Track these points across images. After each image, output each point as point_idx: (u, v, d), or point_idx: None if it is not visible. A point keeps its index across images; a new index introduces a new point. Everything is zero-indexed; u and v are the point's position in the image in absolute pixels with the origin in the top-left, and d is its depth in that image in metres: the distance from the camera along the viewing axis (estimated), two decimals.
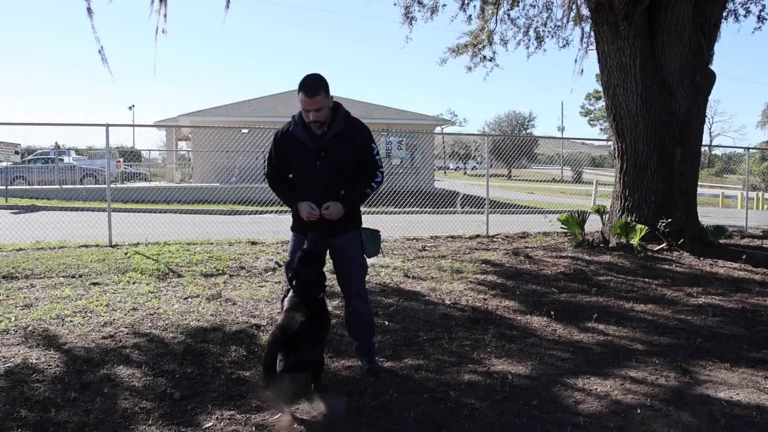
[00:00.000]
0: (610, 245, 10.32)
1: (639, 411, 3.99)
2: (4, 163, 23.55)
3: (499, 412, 3.93)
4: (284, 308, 4.15)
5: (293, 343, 3.76)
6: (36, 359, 4.80)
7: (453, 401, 4.09)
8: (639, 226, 9.98)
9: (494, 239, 11.95)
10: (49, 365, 4.70)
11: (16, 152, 21.68)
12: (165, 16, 10.80)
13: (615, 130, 10.69)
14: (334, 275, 4.77)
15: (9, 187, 21.56)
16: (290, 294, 4.20)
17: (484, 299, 6.98)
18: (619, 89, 10.34)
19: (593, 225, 11.29)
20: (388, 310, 6.41)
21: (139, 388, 4.34)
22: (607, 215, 11.17)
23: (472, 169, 71.71)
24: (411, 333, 5.70)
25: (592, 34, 16.80)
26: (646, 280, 8.16)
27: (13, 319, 5.86)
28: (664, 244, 10.04)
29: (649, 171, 10.37)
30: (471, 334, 5.70)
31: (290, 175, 4.58)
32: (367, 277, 7.79)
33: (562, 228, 11.17)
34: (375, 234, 4.73)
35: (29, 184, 25.02)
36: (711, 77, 10.68)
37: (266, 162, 4.63)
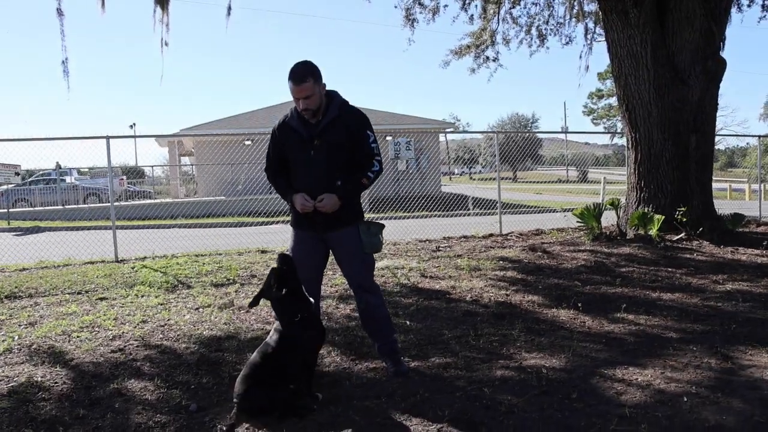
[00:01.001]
0: (628, 237, 10.07)
1: (686, 399, 3.75)
2: (6, 186, 23.35)
3: (538, 408, 3.69)
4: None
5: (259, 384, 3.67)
6: (41, 377, 4.57)
7: (488, 398, 3.85)
8: (657, 216, 9.73)
9: (508, 237, 11.72)
10: (56, 382, 4.46)
11: (17, 173, 21.51)
12: (167, 26, 10.72)
13: (628, 120, 10.45)
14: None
15: (11, 209, 21.35)
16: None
17: (507, 295, 6.74)
18: (630, 78, 10.11)
19: (607, 219, 11.03)
20: (409, 310, 6.17)
21: (153, 401, 4.09)
22: (623, 208, 10.92)
23: (478, 173, 71.49)
24: (435, 331, 5.46)
25: (597, 29, 16.80)
26: (669, 269, 7.91)
27: (16, 338, 5.64)
28: (682, 234, 9.79)
29: (665, 160, 10.12)
30: (498, 329, 5.46)
31: (287, 170, 4.45)
32: (383, 279, 7.72)
33: (578, 222, 10.94)
34: (376, 227, 4.45)
35: (31, 206, 24.81)
36: (723, 63, 10.47)
37: (267, 155, 4.50)
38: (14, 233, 17.21)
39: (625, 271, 7.79)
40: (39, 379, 4.52)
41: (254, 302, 4.02)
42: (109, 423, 3.76)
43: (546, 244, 10.14)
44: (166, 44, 10.80)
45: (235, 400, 3.67)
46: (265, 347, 3.87)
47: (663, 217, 9.66)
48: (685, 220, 9.71)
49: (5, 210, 21.06)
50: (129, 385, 4.38)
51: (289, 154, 4.33)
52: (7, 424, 3.76)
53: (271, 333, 3.95)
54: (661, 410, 3.61)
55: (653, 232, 9.68)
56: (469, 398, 3.87)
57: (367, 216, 4.65)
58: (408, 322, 5.74)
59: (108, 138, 11.18)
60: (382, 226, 4.50)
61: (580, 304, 6.14)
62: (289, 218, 4.59)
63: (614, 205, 10.82)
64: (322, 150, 4.20)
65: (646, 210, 10.06)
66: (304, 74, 4.07)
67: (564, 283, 7.24)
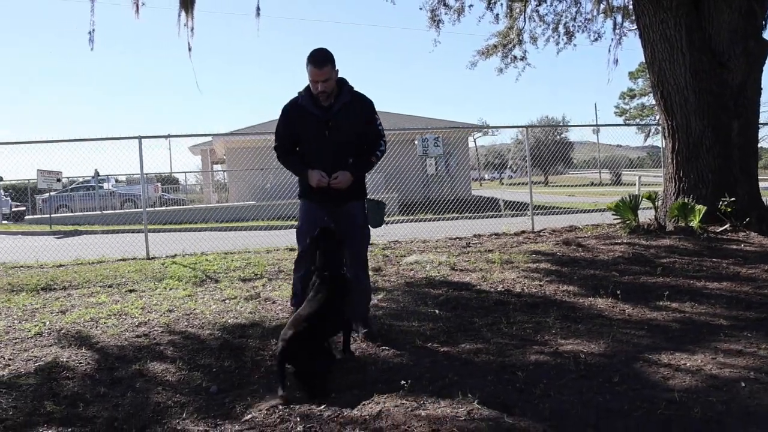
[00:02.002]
0: (667, 230, 9.68)
1: (743, 384, 3.45)
2: (49, 193, 23.96)
3: (576, 391, 3.42)
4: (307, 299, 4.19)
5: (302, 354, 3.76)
6: (67, 358, 4.51)
7: (521, 382, 3.60)
8: (698, 206, 9.33)
9: (541, 234, 11.39)
10: (80, 363, 4.40)
11: (58, 180, 21.87)
12: (192, 30, 10.72)
13: (663, 108, 10.07)
14: None
15: (53, 215, 21.82)
16: (314, 281, 4.26)
17: (540, 285, 6.46)
18: (665, 63, 9.74)
19: (644, 215, 10.65)
20: (438, 300, 5.93)
21: (173, 382, 3.97)
22: (661, 200, 10.54)
23: (509, 178, 70.84)
24: (465, 320, 5.21)
25: (627, 23, 16.44)
26: (714, 259, 7.53)
27: (47, 323, 5.64)
28: (727, 225, 9.35)
29: (704, 148, 9.71)
30: (531, 317, 5.19)
31: (297, 148, 4.73)
32: (411, 272, 7.50)
33: (614, 217, 10.58)
34: (380, 204, 4.93)
35: (72, 212, 25.39)
36: (766, 44, 10.00)
37: (275, 135, 4.73)
38: (55, 236, 17.57)
39: (666, 261, 7.43)
40: (65, 359, 4.48)
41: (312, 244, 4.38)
42: (129, 401, 3.68)
43: (580, 238, 9.80)
44: (190, 48, 10.83)
45: (281, 343, 3.76)
46: (318, 294, 4.11)
47: (705, 207, 9.27)
48: (729, 210, 9.29)
49: (48, 215, 21.44)
50: (151, 366, 4.29)
51: (303, 134, 4.61)
52: (31, 399, 3.74)
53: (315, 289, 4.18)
54: (716, 395, 3.32)
55: (695, 223, 9.29)
56: (501, 382, 3.63)
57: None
58: (437, 311, 5.51)
59: (140, 138, 11.20)
60: (385, 204, 4.95)
61: (618, 293, 5.82)
62: None
63: (651, 198, 10.43)
64: (336, 131, 4.50)
65: (686, 200, 9.66)
66: (325, 59, 4.38)
67: (600, 274, 6.93)
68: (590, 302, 5.70)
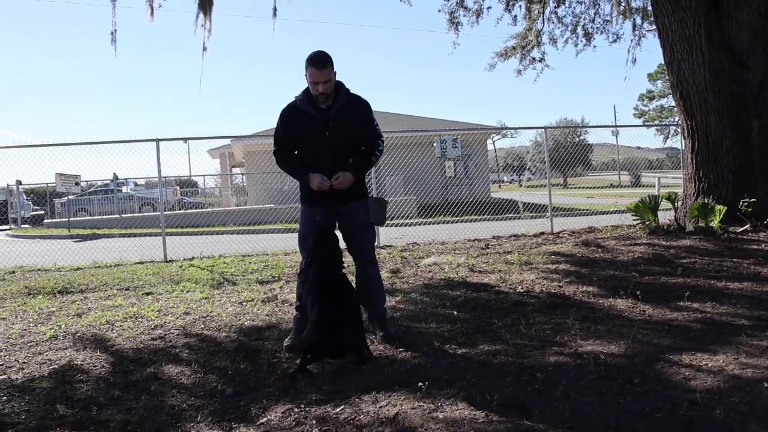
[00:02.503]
0: (687, 230, 9.58)
1: (767, 385, 3.38)
2: (68, 197, 24.24)
3: (596, 392, 3.38)
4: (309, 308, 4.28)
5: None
6: (82, 361, 4.54)
7: (540, 383, 3.55)
8: (718, 207, 9.22)
9: (560, 235, 11.33)
10: (95, 366, 4.42)
11: (77, 183, 22.10)
12: (209, 31, 10.81)
13: (683, 108, 9.96)
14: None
15: (72, 218, 22.04)
16: (310, 287, 4.32)
17: (559, 286, 6.40)
18: (684, 63, 9.64)
19: (664, 216, 10.54)
20: (456, 301, 5.90)
21: (188, 385, 3.96)
22: (680, 200, 10.42)
23: (528, 180, 70.47)
24: (483, 321, 5.17)
25: (645, 24, 16.29)
26: (735, 260, 7.42)
27: (63, 326, 5.69)
28: (747, 225, 9.23)
29: (724, 148, 9.59)
30: (550, 318, 5.14)
31: (296, 152, 4.76)
32: (429, 274, 7.47)
33: (634, 219, 10.48)
34: (382, 202, 5.00)
35: (91, 215, 25.61)
36: None
37: (274, 138, 4.75)
38: (74, 240, 17.76)
39: (686, 262, 7.34)
40: (79, 362, 4.51)
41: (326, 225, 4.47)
42: (143, 405, 3.67)
43: (600, 239, 9.72)
44: (205, 49, 10.90)
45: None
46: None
47: (725, 207, 9.16)
48: (749, 210, 9.16)
49: (66, 219, 21.66)
50: (166, 369, 4.29)
51: (301, 136, 4.64)
52: (44, 402, 3.74)
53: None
54: (738, 396, 3.25)
55: (715, 223, 9.18)
56: (520, 383, 3.58)
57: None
58: (455, 313, 5.47)
59: (158, 140, 11.28)
60: (387, 201, 4.94)
61: (639, 294, 5.75)
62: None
63: (671, 199, 10.32)
64: (335, 132, 4.55)
65: (706, 201, 9.54)
66: (325, 60, 4.45)
67: (620, 275, 6.86)
68: (610, 303, 5.64)
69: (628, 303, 5.58)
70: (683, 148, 11.01)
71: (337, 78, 4.59)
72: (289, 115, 4.65)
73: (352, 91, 4.73)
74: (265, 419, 3.35)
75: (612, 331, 4.69)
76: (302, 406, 3.48)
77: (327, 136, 4.54)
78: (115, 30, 9.91)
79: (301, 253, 4.83)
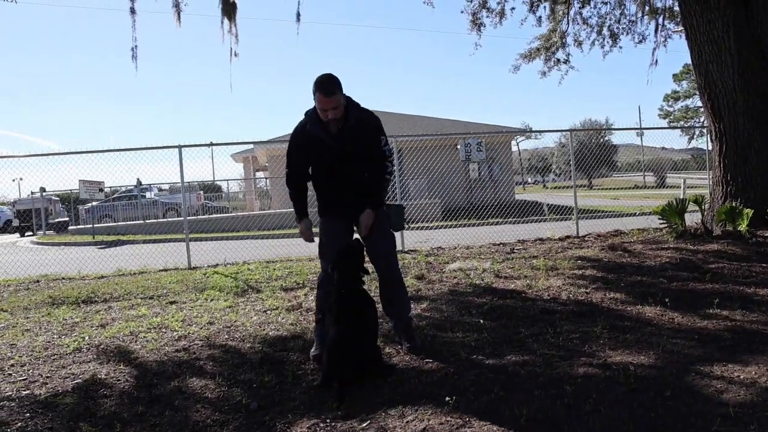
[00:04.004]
0: (714, 234, 9.44)
1: None
2: (92, 203, 24.53)
3: (627, 406, 3.33)
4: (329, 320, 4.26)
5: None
6: (105, 374, 4.55)
7: (570, 396, 3.51)
8: (746, 210, 9.08)
9: (586, 239, 11.23)
10: (118, 380, 4.43)
11: (101, 190, 22.37)
12: (236, 36, 10.89)
13: (711, 110, 9.82)
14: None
15: (96, 225, 22.28)
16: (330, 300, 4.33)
17: (586, 293, 6.34)
18: (712, 65, 9.51)
19: (691, 219, 10.38)
20: (482, 309, 5.86)
21: (213, 399, 3.96)
22: (708, 204, 10.28)
23: (552, 181, 70.03)
24: (510, 330, 5.13)
25: (671, 25, 16.09)
26: (764, 265, 7.29)
27: (86, 338, 5.72)
28: None
29: (753, 151, 9.44)
30: (578, 327, 5.08)
31: (309, 169, 4.78)
32: (455, 281, 7.44)
33: (660, 222, 10.36)
34: (399, 208, 5.02)
35: (115, 221, 25.87)
36: None
37: (287, 160, 4.75)
38: (98, 246, 17.94)
39: (715, 267, 7.23)
40: (103, 376, 4.51)
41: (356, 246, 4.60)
42: (167, 420, 3.66)
43: (626, 243, 9.62)
44: (236, 55, 11.00)
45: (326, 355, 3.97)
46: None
47: (753, 211, 9.01)
48: None
49: (91, 225, 21.91)
50: (190, 383, 4.28)
51: (315, 161, 4.66)
52: (68, 419, 3.74)
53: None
54: None
55: (743, 227, 9.04)
56: (549, 396, 3.55)
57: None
58: (481, 321, 5.44)
59: (180, 147, 11.36)
60: (404, 206, 4.99)
61: (667, 300, 5.67)
62: None
63: (698, 202, 10.17)
64: (347, 154, 4.54)
65: (734, 204, 9.40)
66: (333, 86, 4.35)
67: (648, 280, 6.78)
68: (638, 310, 5.57)
69: (657, 310, 5.51)
70: (711, 150, 10.84)
71: (354, 96, 4.56)
72: (299, 138, 4.61)
73: (368, 99, 4.72)
74: None
75: (641, 340, 4.63)
76: (328, 421, 3.47)
77: (336, 161, 4.56)
78: (136, 46, 9.96)
79: (322, 264, 4.86)
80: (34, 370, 4.77)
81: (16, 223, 28.43)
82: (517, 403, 3.44)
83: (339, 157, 4.56)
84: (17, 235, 27.63)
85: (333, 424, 3.43)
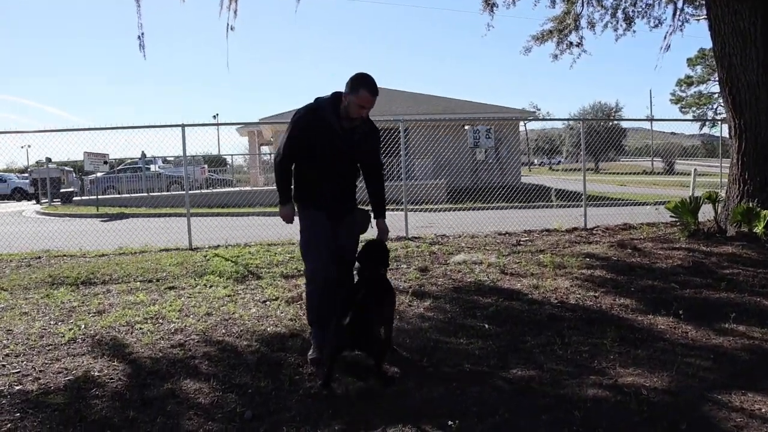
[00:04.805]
0: (728, 234, 9.19)
1: None
2: (98, 174, 24.44)
3: None
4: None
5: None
6: (99, 371, 4.38)
7: (579, 424, 3.30)
8: (764, 212, 8.80)
9: (594, 232, 10.98)
10: (111, 378, 4.26)
11: (105, 162, 22.23)
12: (235, 12, 10.59)
13: (731, 106, 9.49)
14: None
15: (100, 196, 22.14)
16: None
17: (595, 297, 6.12)
18: (735, 58, 9.16)
19: (703, 215, 10.12)
20: (487, 311, 5.65)
21: (206, 405, 3.78)
22: (722, 202, 10.00)
23: (558, 164, 69.55)
24: (516, 338, 4.92)
25: (689, 8, 15.67)
26: None
27: (82, 326, 5.55)
28: None
29: None
30: (587, 338, 4.87)
31: (308, 159, 4.60)
32: (459, 275, 7.23)
33: (672, 217, 10.09)
34: (366, 213, 4.86)
35: (119, 193, 25.73)
36: None
37: (286, 140, 4.52)
38: (101, 219, 17.81)
39: (729, 273, 6.99)
40: (96, 373, 4.35)
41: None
42: (158, 428, 3.51)
43: (636, 240, 9.38)
44: (232, 29, 10.68)
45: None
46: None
47: None
48: None
49: (95, 197, 21.79)
50: (184, 385, 4.11)
51: (319, 146, 4.44)
52: (58, 422, 3.57)
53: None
54: None
55: (759, 229, 8.76)
56: (557, 422, 3.34)
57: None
58: (487, 326, 5.23)
59: (183, 126, 11.13)
60: (369, 212, 4.89)
61: (681, 312, 5.43)
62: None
63: (712, 199, 9.90)
64: (355, 152, 4.55)
65: (750, 205, 9.12)
66: (377, 88, 4.33)
67: (659, 285, 6.55)
68: (650, 321, 5.35)
69: (670, 321, 5.29)
70: (730, 147, 10.53)
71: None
72: (312, 122, 4.41)
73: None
74: None
75: (653, 357, 4.42)
76: None
77: (346, 157, 4.54)
78: (142, 33, 9.61)
79: (304, 262, 4.67)
80: (28, 363, 4.61)
81: (32, 190, 28.62)
82: (523, 429, 3.24)
83: (343, 154, 4.49)
84: (33, 201, 27.95)
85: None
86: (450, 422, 3.31)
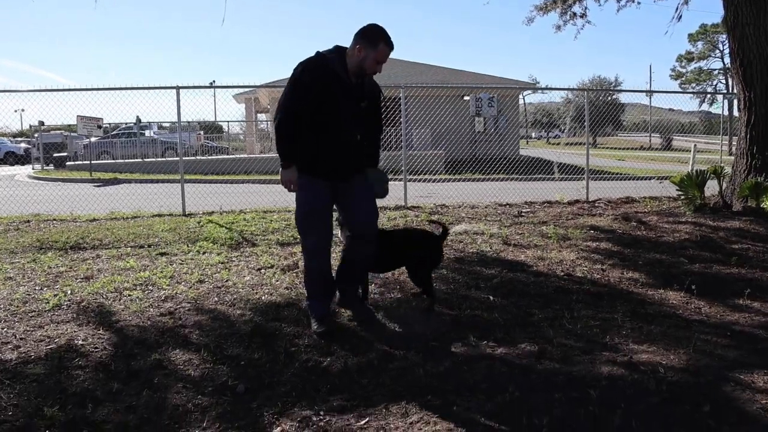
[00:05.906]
0: (735, 209, 8.99)
1: None
2: (92, 139, 24.10)
3: (662, 423, 2.92)
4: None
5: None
6: (83, 340, 4.12)
7: (594, 404, 3.08)
8: None
9: (596, 205, 10.77)
10: (96, 347, 4.00)
11: (99, 126, 21.85)
12: None
13: (741, 78, 9.23)
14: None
15: (94, 161, 21.81)
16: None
17: (602, 270, 5.91)
18: (748, 28, 8.86)
19: (707, 189, 9.90)
20: (491, 283, 5.43)
21: (196, 378, 3.55)
22: (728, 177, 9.78)
23: (555, 137, 69.10)
24: (522, 311, 4.71)
25: None
26: None
27: (68, 292, 5.27)
28: None
29: None
30: (597, 312, 4.66)
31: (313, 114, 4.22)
32: (461, 245, 7.01)
33: (678, 191, 9.86)
34: (383, 174, 4.56)
35: (113, 158, 25.37)
36: None
37: (291, 92, 4.09)
38: (94, 184, 17.51)
39: (738, 248, 6.78)
40: (80, 342, 4.09)
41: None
42: (143, 402, 3.26)
43: (640, 213, 9.17)
44: None
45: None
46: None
47: None
48: None
49: (89, 162, 21.45)
50: (173, 356, 3.86)
51: (329, 102, 4.06)
52: (35, 394, 3.32)
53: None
54: None
55: (766, 204, 8.57)
56: (571, 402, 3.12)
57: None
58: (491, 297, 5.01)
59: (178, 88, 10.81)
60: (386, 173, 4.60)
61: (693, 287, 5.21)
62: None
63: (717, 173, 9.67)
64: (366, 107, 4.26)
65: (758, 179, 8.90)
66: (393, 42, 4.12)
67: (668, 259, 6.34)
68: (661, 295, 5.14)
69: (681, 297, 5.09)
70: (738, 120, 10.27)
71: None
72: (320, 70, 4.03)
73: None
74: (278, 429, 2.95)
75: (668, 334, 4.21)
76: (322, 414, 3.08)
77: (361, 109, 4.22)
78: None
79: (302, 235, 4.34)
80: (9, 329, 4.35)
81: (35, 154, 28.19)
82: (535, 408, 3.03)
83: (353, 110, 4.16)
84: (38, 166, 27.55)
85: (327, 418, 3.05)
86: (455, 398, 3.10)
